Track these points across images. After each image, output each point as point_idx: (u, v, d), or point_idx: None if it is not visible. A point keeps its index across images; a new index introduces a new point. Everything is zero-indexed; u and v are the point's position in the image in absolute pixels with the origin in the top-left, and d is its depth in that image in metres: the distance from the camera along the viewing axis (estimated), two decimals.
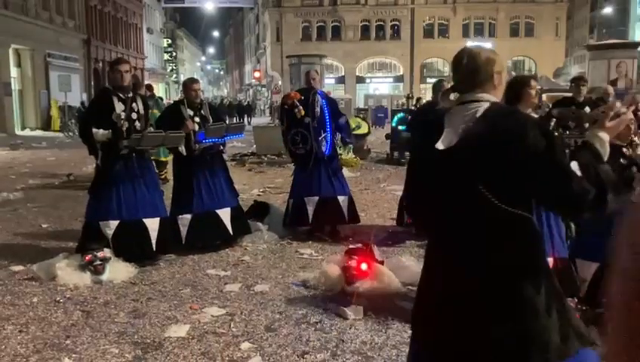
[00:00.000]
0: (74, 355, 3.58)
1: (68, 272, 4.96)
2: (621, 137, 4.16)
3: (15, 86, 27.50)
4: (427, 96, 27.72)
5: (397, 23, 47.49)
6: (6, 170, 12.98)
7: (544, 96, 22.37)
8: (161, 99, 13.53)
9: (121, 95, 5.38)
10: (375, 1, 46.66)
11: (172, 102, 9.21)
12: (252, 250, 6.04)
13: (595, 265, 4.14)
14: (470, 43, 43.84)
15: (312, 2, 46.81)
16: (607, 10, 46.46)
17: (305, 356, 3.56)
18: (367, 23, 47.30)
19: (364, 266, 4.66)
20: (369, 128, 16.61)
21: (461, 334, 1.82)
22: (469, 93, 1.94)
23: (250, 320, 4.16)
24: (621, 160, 4.14)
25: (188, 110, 5.92)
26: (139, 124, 5.44)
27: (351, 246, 5.13)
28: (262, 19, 55.56)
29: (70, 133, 24.71)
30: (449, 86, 2.05)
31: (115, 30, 41.91)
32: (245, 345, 3.71)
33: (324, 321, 4.11)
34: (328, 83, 36.85)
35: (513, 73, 32.46)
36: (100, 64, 38.10)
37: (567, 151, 1.84)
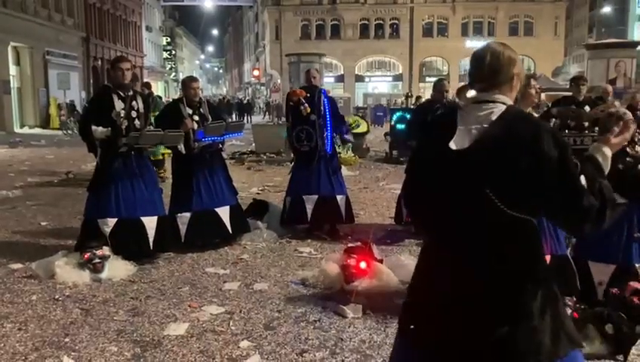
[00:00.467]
0: (73, 353, 3.58)
1: (67, 270, 4.96)
2: None
3: (14, 84, 27.49)
4: (426, 94, 27.72)
5: (396, 21, 47.49)
6: (5, 168, 12.98)
7: (543, 95, 22.39)
8: (160, 97, 13.53)
9: (121, 93, 5.37)
10: (374, 0, 46.64)
11: (171, 100, 9.21)
12: (251, 248, 6.05)
13: (611, 266, 4.15)
14: (469, 42, 43.92)
15: (311, 1, 46.82)
16: (607, 9, 46.49)
17: (304, 354, 3.57)
18: (366, 22, 47.30)
19: (363, 265, 4.66)
20: (368, 127, 16.62)
21: (468, 335, 1.82)
22: (486, 92, 1.91)
23: (249, 318, 4.16)
24: (627, 158, 4.15)
25: (187, 108, 5.92)
26: (138, 122, 5.43)
27: (350, 245, 5.14)
28: (261, 18, 55.53)
29: (69, 131, 24.70)
30: (465, 84, 2.04)
31: (114, 28, 41.88)
32: (244, 344, 3.71)
33: (323, 320, 4.11)
34: (327, 82, 36.83)
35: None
36: (99, 62, 38.09)
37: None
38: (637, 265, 4.12)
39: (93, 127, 5.26)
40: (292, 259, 5.68)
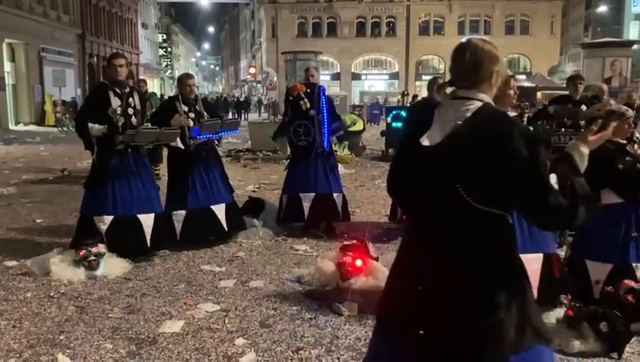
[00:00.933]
0: (68, 351, 3.57)
1: (62, 267, 4.94)
2: (620, 134, 4.20)
3: (9, 81, 27.38)
4: (423, 93, 27.76)
5: (392, 19, 47.49)
6: (0, 165, 12.93)
7: (539, 94, 22.46)
8: (155, 93, 13.49)
9: (117, 90, 5.36)
10: None
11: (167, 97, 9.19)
12: (247, 246, 6.04)
13: (608, 266, 4.16)
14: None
15: None
16: (602, 8, 46.62)
17: (299, 352, 3.57)
18: (362, 20, 47.29)
19: (358, 262, 4.67)
20: (364, 125, 16.62)
21: (436, 325, 1.86)
22: (465, 89, 1.91)
23: (245, 316, 4.16)
24: (627, 158, 4.16)
25: (183, 106, 5.90)
26: (135, 120, 5.42)
27: (346, 243, 5.14)
28: (257, 15, 55.45)
29: (64, 128, 24.62)
30: (445, 81, 2.03)
31: (110, 25, 41.74)
32: (240, 341, 3.71)
33: (319, 317, 4.11)
34: (323, 80, 36.79)
35: (508, 71, 32.52)
36: (95, 59, 37.95)
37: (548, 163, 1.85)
38: (634, 265, 4.14)
39: (90, 125, 5.25)
40: (288, 257, 5.68)
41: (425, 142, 1.88)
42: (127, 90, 5.45)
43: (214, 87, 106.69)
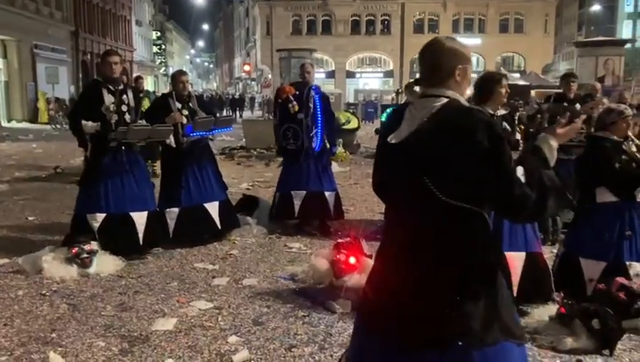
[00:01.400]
0: (59, 349, 3.55)
1: (54, 265, 4.92)
2: (618, 132, 4.22)
3: (1, 77, 27.26)
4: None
5: (387, 18, 47.50)
6: None
7: (533, 92, 22.52)
8: (149, 91, 13.46)
9: (110, 87, 5.33)
10: None
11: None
12: (240, 243, 6.03)
13: (602, 264, 4.18)
14: (460, 39, 43.91)
15: None
16: (596, 7, 46.78)
17: (292, 349, 3.57)
18: (357, 18, 47.25)
19: (352, 260, 4.67)
20: (359, 123, 16.61)
21: (419, 325, 1.89)
22: (433, 87, 1.95)
23: (238, 313, 4.16)
24: (623, 156, 4.18)
25: (176, 103, 5.88)
26: (129, 117, 5.40)
27: (340, 241, 5.13)
28: (252, 13, 55.32)
29: (58, 126, 24.50)
30: (412, 80, 2.07)
31: (104, 22, 41.55)
32: (233, 339, 3.71)
33: (312, 315, 4.11)
34: (318, 77, 36.53)
35: (502, 69, 32.60)
36: (89, 56, 37.77)
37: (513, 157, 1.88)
38: (627, 263, 4.15)
39: (83, 122, 5.22)
40: (281, 255, 5.67)
41: (392, 140, 1.94)
42: (121, 87, 5.43)
43: (208, 84, 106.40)
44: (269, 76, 38.26)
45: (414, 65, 47.98)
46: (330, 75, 47.07)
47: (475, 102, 4.09)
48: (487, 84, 4.04)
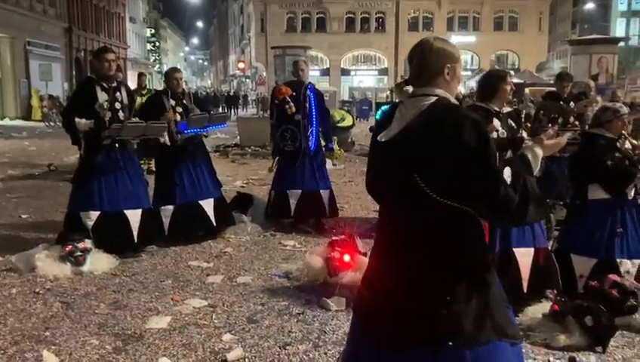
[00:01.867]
0: (53, 347, 3.54)
1: (48, 263, 4.89)
2: (614, 131, 4.24)
3: None
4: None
5: (382, 15, 47.46)
6: None
7: (527, 90, 22.57)
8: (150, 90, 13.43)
9: (104, 84, 5.30)
10: None
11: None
12: (235, 241, 6.02)
13: (593, 260, 4.20)
14: (454, 37, 44.02)
15: None
16: (590, 5, 46.95)
17: (287, 347, 3.57)
18: (352, 15, 47.20)
19: (346, 258, 4.67)
20: (353, 121, 16.61)
21: (412, 323, 1.90)
22: (420, 87, 1.97)
23: (232, 311, 4.15)
24: (616, 154, 4.20)
25: (170, 100, 5.86)
26: (122, 114, 5.37)
27: (334, 238, 5.14)
28: (246, 10, 55.17)
29: (51, 123, 24.37)
30: (401, 81, 2.08)
31: (98, 19, 41.33)
32: (227, 337, 3.70)
33: (307, 313, 4.11)
34: (313, 75, 36.65)
35: (497, 67, 32.64)
36: (82, 53, 37.59)
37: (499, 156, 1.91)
38: (618, 260, 4.18)
39: (77, 119, 5.19)
40: (276, 253, 5.67)
41: (383, 138, 1.96)
42: (114, 84, 5.40)
43: (203, 81, 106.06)
44: (264, 74, 38.19)
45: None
46: (325, 72, 47.01)
47: (479, 99, 4.10)
48: (492, 81, 4.03)
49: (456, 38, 41.50)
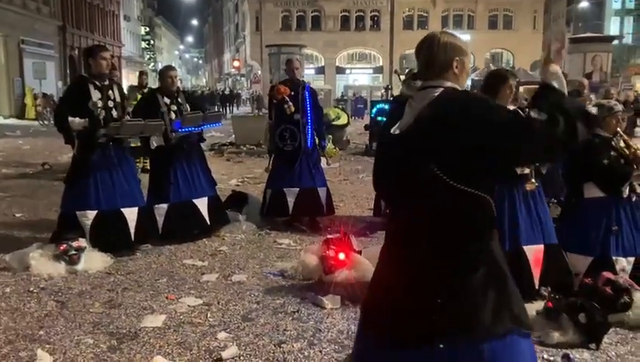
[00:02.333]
0: (47, 346, 3.53)
1: (42, 262, 4.88)
2: (608, 128, 4.25)
3: None
4: None
5: (377, 13, 47.46)
6: None
7: (521, 89, 22.63)
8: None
9: (97, 83, 5.28)
10: None
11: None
12: (230, 240, 6.02)
13: (589, 258, 4.21)
14: None
15: None
16: (584, 4, 47.00)
17: (282, 345, 3.57)
18: (347, 14, 47.18)
19: (341, 256, 4.67)
20: (348, 119, 16.61)
21: (415, 310, 1.89)
22: (431, 80, 1.98)
23: (227, 310, 4.15)
24: (612, 153, 4.21)
25: (164, 98, 5.84)
26: (116, 113, 5.35)
27: (329, 236, 5.14)
28: (241, 8, 55.05)
29: (45, 122, 24.27)
30: (409, 75, 2.10)
31: (92, 17, 41.17)
32: (222, 335, 3.70)
33: (302, 311, 4.12)
34: (308, 73, 36.67)
35: (492, 66, 32.72)
36: (76, 51, 37.40)
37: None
38: (614, 258, 4.20)
39: (70, 118, 5.17)
40: (271, 251, 5.67)
41: (396, 131, 1.96)
42: (107, 82, 5.37)
43: (198, 80, 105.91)
44: (259, 72, 38.12)
45: (404, 62, 47.99)
46: (320, 70, 47.01)
47: None
48: (493, 81, 3.99)
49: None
